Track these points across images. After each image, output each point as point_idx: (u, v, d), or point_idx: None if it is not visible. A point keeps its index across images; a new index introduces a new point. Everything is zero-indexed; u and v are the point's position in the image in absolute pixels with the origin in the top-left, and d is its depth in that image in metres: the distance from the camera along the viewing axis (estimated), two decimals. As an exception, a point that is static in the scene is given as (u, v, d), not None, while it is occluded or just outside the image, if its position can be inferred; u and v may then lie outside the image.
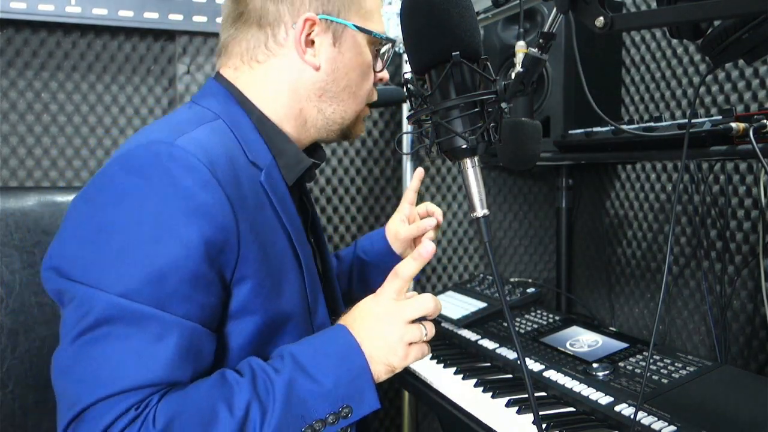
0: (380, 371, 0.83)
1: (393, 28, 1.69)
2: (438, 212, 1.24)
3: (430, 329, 0.86)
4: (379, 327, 0.83)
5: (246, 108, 0.93)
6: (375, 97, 1.03)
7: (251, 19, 0.93)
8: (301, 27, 0.90)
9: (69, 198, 1.40)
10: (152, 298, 0.73)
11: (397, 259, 1.27)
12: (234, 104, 0.93)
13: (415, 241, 1.25)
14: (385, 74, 1.02)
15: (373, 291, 0.95)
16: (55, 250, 0.80)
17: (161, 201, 0.76)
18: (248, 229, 0.82)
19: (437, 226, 1.22)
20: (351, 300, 1.17)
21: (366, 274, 1.30)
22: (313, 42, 0.93)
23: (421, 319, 0.85)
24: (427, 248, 0.83)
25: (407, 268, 0.84)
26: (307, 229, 1.02)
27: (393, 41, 1.00)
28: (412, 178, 1.28)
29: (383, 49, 1.00)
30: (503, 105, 0.69)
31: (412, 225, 1.23)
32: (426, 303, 0.84)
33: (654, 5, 0.72)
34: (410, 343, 0.84)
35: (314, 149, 1.04)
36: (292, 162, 0.94)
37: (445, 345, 1.46)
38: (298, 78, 0.94)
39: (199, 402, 0.74)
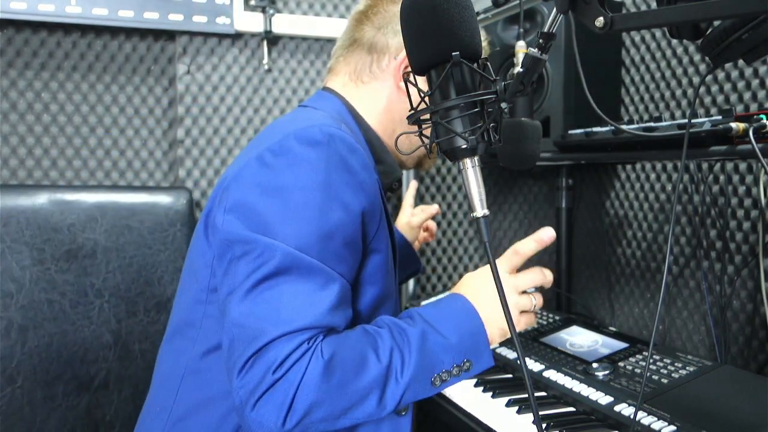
0: (494, 334, 0.93)
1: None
2: (435, 207, 1.56)
3: (539, 300, 0.96)
4: (494, 295, 0.91)
5: (355, 117, 1.07)
6: None
7: (363, 45, 1.09)
8: (402, 58, 1.05)
9: (79, 196, 1.40)
10: (319, 254, 0.84)
11: (411, 249, 1.51)
12: (346, 112, 1.07)
13: (422, 227, 1.53)
14: None
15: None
16: (232, 203, 0.90)
17: (332, 172, 0.87)
18: (383, 211, 0.95)
19: (438, 212, 1.56)
20: None
21: None
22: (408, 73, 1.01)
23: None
24: (548, 233, 0.94)
25: (527, 248, 0.95)
26: None
27: None
28: (408, 191, 1.60)
29: None
30: (503, 105, 0.69)
31: (417, 210, 1.52)
32: (536, 276, 0.95)
33: (654, 5, 0.72)
34: (521, 312, 0.95)
35: None
36: (388, 170, 1.09)
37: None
38: (394, 101, 1.08)
39: (353, 344, 0.83)
